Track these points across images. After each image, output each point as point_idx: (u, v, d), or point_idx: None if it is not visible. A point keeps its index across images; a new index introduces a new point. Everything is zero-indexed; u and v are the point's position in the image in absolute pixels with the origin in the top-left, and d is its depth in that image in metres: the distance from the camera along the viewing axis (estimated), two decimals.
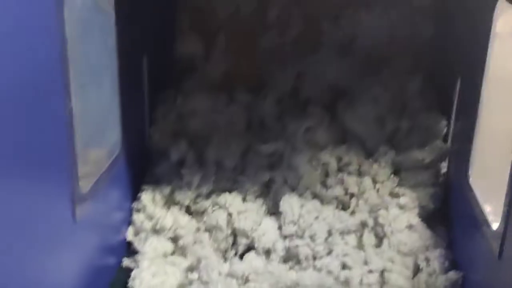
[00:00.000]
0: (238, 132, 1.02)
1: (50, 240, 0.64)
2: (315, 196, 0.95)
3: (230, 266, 0.83)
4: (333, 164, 0.97)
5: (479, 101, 0.81)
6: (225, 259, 0.88)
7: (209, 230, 0.91)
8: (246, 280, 0.82)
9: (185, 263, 0.87)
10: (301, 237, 0.88)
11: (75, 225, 0.69)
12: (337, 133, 1.02)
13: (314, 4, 1.11)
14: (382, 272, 0.85)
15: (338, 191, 0.95)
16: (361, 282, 0.83)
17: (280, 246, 0.88)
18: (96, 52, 0.75)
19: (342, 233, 0.89)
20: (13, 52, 0.52)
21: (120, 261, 0.89)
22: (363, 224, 0.91)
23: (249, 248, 0.90)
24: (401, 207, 0.92)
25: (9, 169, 0.52)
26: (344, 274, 0.84)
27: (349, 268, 0.85)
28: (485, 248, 0.76)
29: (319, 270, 0.85)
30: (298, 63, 1.11)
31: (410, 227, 0.90)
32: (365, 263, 0.86)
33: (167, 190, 0.95)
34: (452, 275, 0.83)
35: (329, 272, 0.84)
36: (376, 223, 0.90)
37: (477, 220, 0.78)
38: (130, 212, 0.94)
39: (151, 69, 1.00)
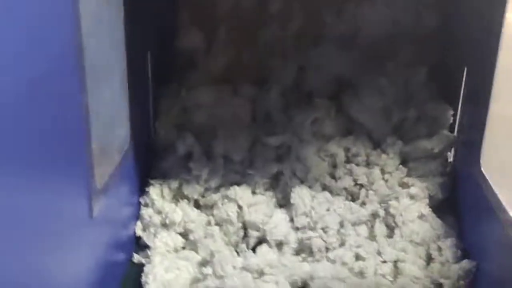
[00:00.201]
0: (244, 125, 1.01)
1: (67, 236, 0.63)
2: (324, 187, 0.94)
3: (244, 260, 0.83)
4: (341, 155, 0.97)
5: (491, 89, 0.81)
6: (237, 252, 0.88)
7: (219, 223, 0.90)
8: (261, 273, 0.81)
9: (197, 257, 0.86)
10: (313, 229, 0.88)
11: (91, 221, 0.69)
12: (343, 125, 1.01)
13: None
14: (395, 262, 0.85)
15: (347, 182, 0.95)
16: (375, 273, 0.83)
17: (293, 238, 0.87)
18: (106, 47, 0.74)
19: (354, 224, 0.89)
20: (32, 46, 0.51)
21: (130, 257, 0.88)
22: (374, 215, 0.91)
23: (260, 241, 0.89)
24: (412, 197, 0.92)
25: (27, 166, 0.51)
26: (358, 265, 0.83)
27: (363, 259, 0.84)
28: (500, 236, 0.76)
29: (333, 261, 0.84)
30: (299, 56, 1.10)
31: (421, 216, 0.90)
32: (378, 253, 0.86)
33: (175, 184, 0.94)
34: (466, 264, 0.83)
35: (344, 264, 0.84)
36: (387, 213, 0.90)
37: (491, 208, 0.78)
38: (138, 207, 0.93)
39: (154, 63, 0.99)
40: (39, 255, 0.55)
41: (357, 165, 0.97)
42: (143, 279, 0.82)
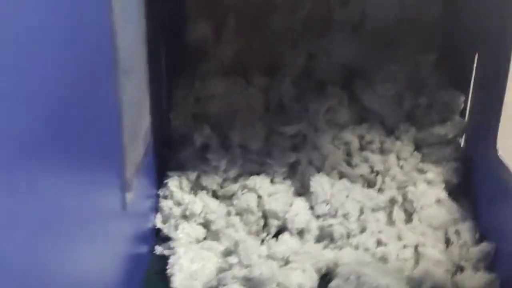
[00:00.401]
0: (258, 115, 1.02)
1: (101, 229, 0.63)
2: (341, 175, 0.95)
3: (268, 248, 0.84)
4: (355, 143, 0.98)
5: (507, 73, 0.82)
6: (259, 241, 0.88)
7: (239, 213, 0.91)
8: (287, 261, 0.82)
9: (220, 247, 0.87)
10: (334, 216, 0.89)
11: (123, 214, 0.69)
12: (356, 112, 1.02)
13: None
14: (416, 247, 0.86)
15: (363, 169, 0.96)
16: (397, 258, 0.84)
17: (314, 226, 0.88)
18: (131, 38, 0.74)
19: (373, 210, 0.90)
20: (66, 38, 0.51)
21: (151, 249, 0.89)
22: (392, 201, 0.92)
23: (281, 229, 0.90)
24: (428, 182, 0.93)
25: (63, 158, 0.51)
26: (380, 250, 0.85)
27: (385, 244, 0.86)
28: None
29: (356, 248, 0.85)
30: (309, 43, 1.10)
31: (438, 201, 0.92)
32: (399, 239, 0.87)
33: (193, 175, 0.95)
34: (485, 246, 0.84)
35: (366, 250, 0.85)
36: (405, 199, 0.91)
37: (510, 191, 0.80)
38: (156, 199, 0.93)
39: (167, 55, 0.99)
40: (73, 246, 0.55)
41: (372, 152, 0.98)
42: (169, 270, 0.82)
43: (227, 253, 0.85)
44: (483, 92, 0.94)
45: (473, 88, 0.98)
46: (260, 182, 0.92)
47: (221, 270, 0.83)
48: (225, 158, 0.95)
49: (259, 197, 0.91)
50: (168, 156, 0.99)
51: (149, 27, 0.82)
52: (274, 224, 0.90)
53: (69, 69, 0.51)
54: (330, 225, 0.87)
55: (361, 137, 0.99)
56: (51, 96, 0.46)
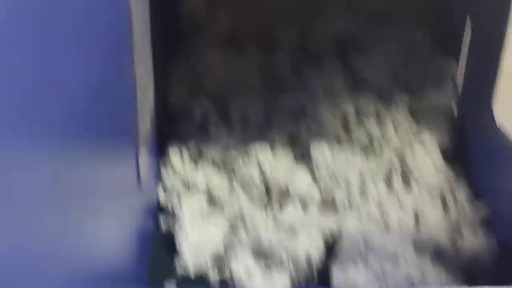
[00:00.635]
0: (255, 88, 1.03)
1: (118, 205, 0.64)
2: (340, 144, 0.97)
3: (274, 218, 0.85)
4: (352, 112, 1.00)
5: (504, 38, 0.83)
6: (264, 210, 0.90)
7: (242, 183, 0.92)
8: (292, 230, 0.84)
9: (226, 219, 0.88)
10: (335, 184, 0.90)
11: (137, 188, 0.70)
12: (351, 82, 1.04)
13: None
14: (416, 214, 0.88)
15: (361, 137, 0.97)
16: (400, 226, 0.86)
17: (316, 195, 0.90)
18: (140, 18, 0.75)
19: (373, 178, 0.92)
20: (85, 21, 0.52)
21: (156, 222, 0.89)
22: (391, 168, 0.94)
23: (284, 198, 0.92)
24: (425, 149, 0.95)
25: (81, 132, 0.52)
26: (382, 218, 0.87)
27: (386, 212, 0.88)
28: None
29: (358, 216, 0.87)
30: (302, 17, 1.11)
31: (435, 167, 0.94)
32: (399, 206, 0.89)
33: (194, 148, 0.95)
34: (482, 209, 0.87)
35: (369, 218, 0.87)
36: (403, 165, 0.93)
37: (509, 156, 0.82)
38: (158, 173, 0.94)
39: (163, 31, 0.99)
40: (93, 220, 0.55)
41: (368, 119, 0.99)
42: (177, 242, 0.84)
43: (233, 224, 0.86)
44: (477, 59, 0.96)
45: (467, 55, 0.99)
46: (261, 152, 0.93)
47: (228, 242, 0.84)
48: (225, 130, 0.96)
49: (261, 166, 0.92)
50: (168, 131, 0.99)
51: (153, 7, 0.82)
52: (276, 193, 0.91)
53: (95, 57, 0.52)
54: (332, 194, 0.89)
55: (357, 106, 1.00)
56: (83, 82, 0.47)
